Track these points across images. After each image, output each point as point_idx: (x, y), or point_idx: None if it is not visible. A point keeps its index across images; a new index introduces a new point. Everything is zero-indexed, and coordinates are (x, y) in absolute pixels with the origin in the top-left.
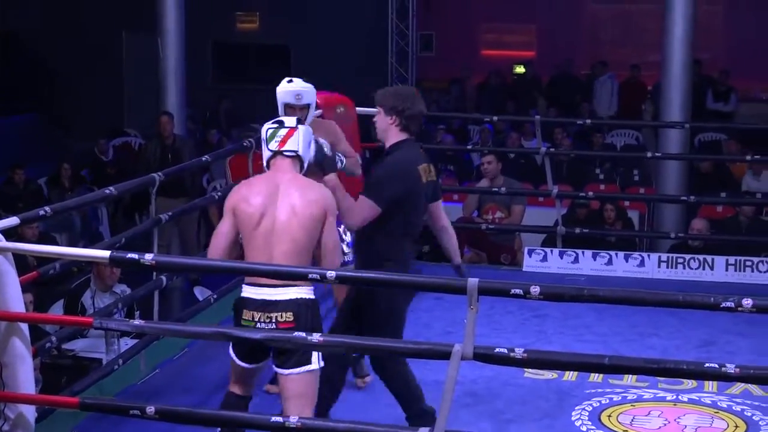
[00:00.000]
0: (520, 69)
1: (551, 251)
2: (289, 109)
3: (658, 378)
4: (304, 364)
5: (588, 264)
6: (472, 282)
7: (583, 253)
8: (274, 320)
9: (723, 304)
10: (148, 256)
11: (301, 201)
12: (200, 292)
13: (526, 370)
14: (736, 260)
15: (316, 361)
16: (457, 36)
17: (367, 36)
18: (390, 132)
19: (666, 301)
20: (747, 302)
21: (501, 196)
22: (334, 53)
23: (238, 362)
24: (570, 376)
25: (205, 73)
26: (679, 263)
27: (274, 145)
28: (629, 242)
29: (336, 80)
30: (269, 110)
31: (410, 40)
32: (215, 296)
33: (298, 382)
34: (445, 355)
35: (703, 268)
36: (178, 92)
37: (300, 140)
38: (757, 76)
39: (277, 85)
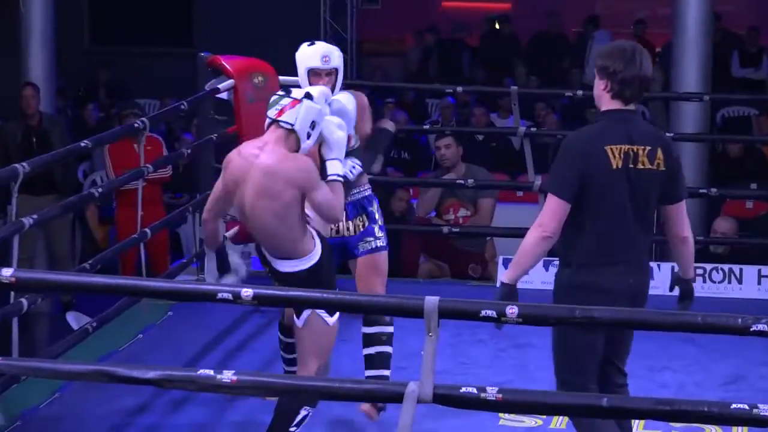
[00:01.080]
0: (492, 25)
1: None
2: (314, 75)
3: (673, 424)
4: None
5: (540, 276)
6: (430, 302)
7: None
8: (276, 279)
9: (754, 327)
10: (6, 272)
11: (269, 181)
12: (75, 319)
13: (501, 415)
14: None
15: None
16: None
17: None
18: (603, 99)
19: (681, 323)
20: None
21: (464, 189)
22: (248, 6)
23: None
24: (559, 422)
25: (80, 34)
26: (699, 275)
27: (272, 113)
28: None
29: (252, 41)
30: (166, 80)
31: None
32: (95, 323)
33: (302, 330)
34: (397, 397)
35: (729, 282)
36: (45, 58)
37: (300, 115)
38: None
39: (175, 47)
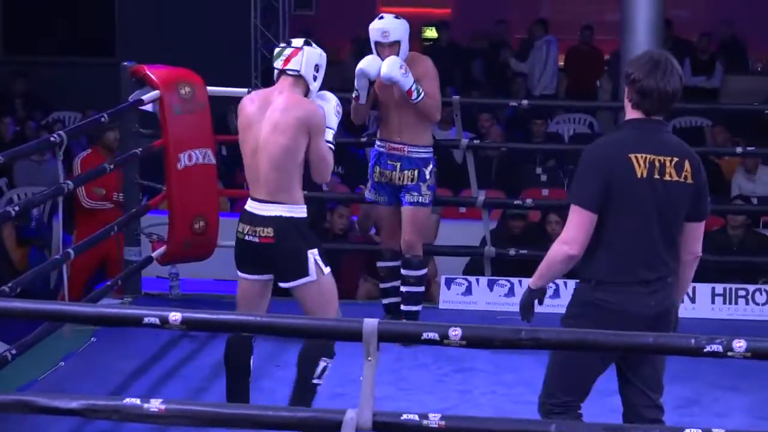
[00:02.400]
0: (430, 32)
1: (477, 281)
2: (380, 47)
3: None
4: (301, 277)
5: (519, 297)
6: (369, 324)
7: (520, 282)
8: (257, 234)
9: (707, 348)
10: None
11: (284, 117)
12: None
13: None
14: (724, 288)
15: (314, 272)
16: None
17: None
18: (627, 108)
19: (631, 344)
20: (739, 345)
21: None
22: (175, 11)
23: (243, 275)
24: None
25: None
26: None
27: (278, 64)
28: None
29: (179, 50)
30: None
31: None
32: (13, 351)
33: (302, 292)
34: (335, 426)
35: (682, 300)
36: None
37: (303, 61)
38: (747, 39)
39: (97, 57)
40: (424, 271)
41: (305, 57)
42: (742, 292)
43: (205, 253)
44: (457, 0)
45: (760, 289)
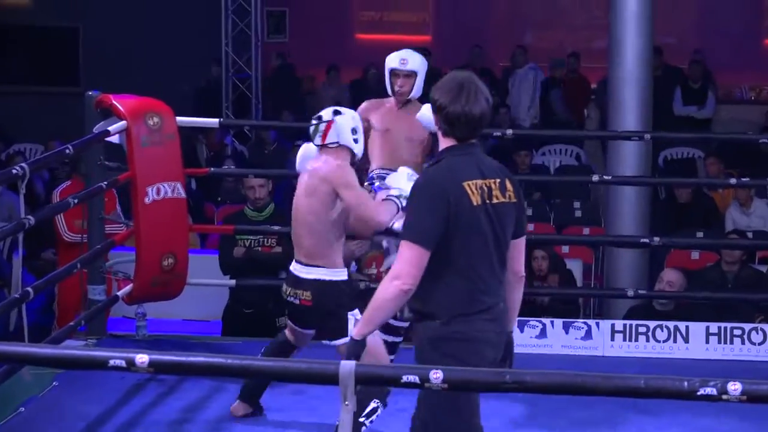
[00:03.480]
0: None
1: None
2: (394, 75)
3: None
4: (342, 337)
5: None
6: (346, 367)
7: None
8: (297, 296)
9: (701, 391)
10: None
11: (311, 180)
12: None
13: None
14: (719, 327)
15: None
16: (320, 13)
17: (192, 13)
18: (440, 137)
19: (622, 388)
20: (734, 388)
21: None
22: (144, 38)
23: (294, 326)
24: None
25: None
26: (641, 334)
27: (317, 141)
28: (569, 305)
29: (145, 79)
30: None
31: (253, 19)
32: None
33: (343, 350)
34: None
35: (675, 340)
36: None
37: (339, 131)
38: (739, 67)
39: (60, 86)
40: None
41: (340, 127)
42: (737, 331)
43: (174, 291)
44: (436, 27)
45: (756, 328)
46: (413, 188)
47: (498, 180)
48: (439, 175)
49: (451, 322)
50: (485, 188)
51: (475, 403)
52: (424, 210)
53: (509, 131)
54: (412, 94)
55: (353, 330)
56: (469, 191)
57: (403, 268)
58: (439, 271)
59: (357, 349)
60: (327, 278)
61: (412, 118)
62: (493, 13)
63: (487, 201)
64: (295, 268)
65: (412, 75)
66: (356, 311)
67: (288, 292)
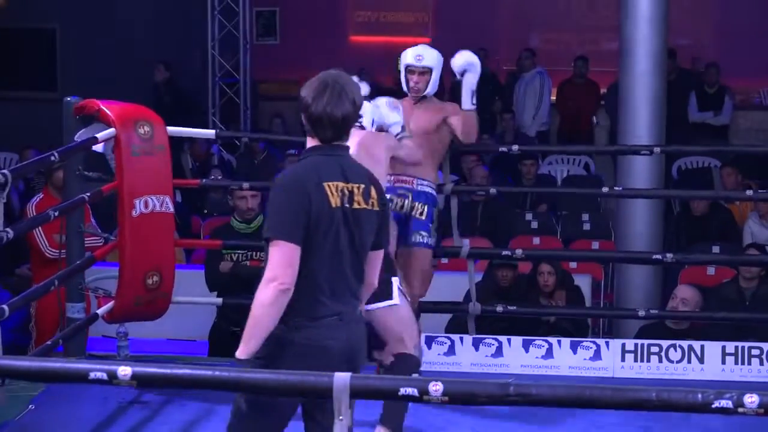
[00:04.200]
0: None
1: (461, 339)
2: (409, 72)
3: None
4: (385, 299)
5: (517, 357)
6: (340, 379)
7: (509, 341)
8: None
9: (716, 404)
10: None
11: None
12: None
13: None
14: (736, 347)
15: (396, 297)
16: (313, 13)
17: (178, 14)
18: (308, 136)
19: (633, 401)
20: (751, 400)
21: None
22: (127, 40)
23: None
24: None
25: None
26: (653, 354)
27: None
28: (577, 324)
29: (130, 82)
30: (25, 129)
31: (241, 19)
32: None
33: (382, 316)
34: None
35: (689, 361)
36: None
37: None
38: (757, 71)
39: (36, 91)
40: None
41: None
42: (755, 351)
43: (159, 311)
44: (437, 29)
45: None
46: (274, 186)
47: (362, 185)
48: (301, 173)
49: (297, 327)
50: (346, 191)
51: (285, 415)
52: (286, 207)
53: (515, 147)
54: (427, 91)
55: (239, 351)
56: (329, 192)
57: (276, 268)
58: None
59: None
60: None
61: (429, 114)
62: (498, 14)
63: (347, 205)
64: None
65: (427, 71)
66: (397, 278)
67: None
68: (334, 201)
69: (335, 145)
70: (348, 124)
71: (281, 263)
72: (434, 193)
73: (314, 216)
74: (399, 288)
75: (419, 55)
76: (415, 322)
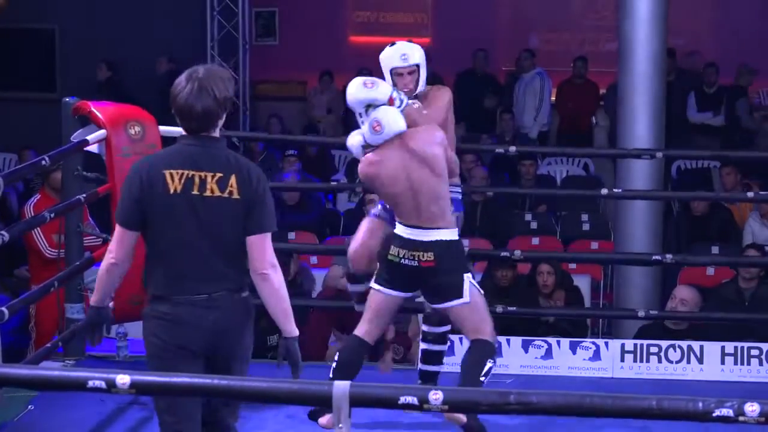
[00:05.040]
0: None
1: (460, 339)
2: (397, 75)
3: None
4: (456, 298)
5: (516, 358)
6: (340, 388)
7: (508, 341)
8: (416, 258)
9: (717, 412)
10: None
11: (429, 150)
12: None
13: None
14: (735, 348)
15: (467, 294)
16: (312, 14)
17: (177, 13)
18: None
19: (632, 410)
20: (752, 409)
21: None
22: (124, 40)
23: (386, 290)
24: None
25: None
26: (653, 354)
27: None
28: (577, 324)
29: (130, 83)
30: (24, 130)
31: (240, 20)
32: None
33: (456, 313)
34: None
35: (688, 361)
36: None
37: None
38: (758, 71)
39: (35, 92)
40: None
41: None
42: (755, 352)
43: None
44: (436, 29)
45: None
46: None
47: (219, 174)
48: (145, 161)
49: (155, 302)
50: (197, 179)
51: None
52: (124, 194)
53: (512, 148)
54: (418, 90)
55: (92, 297)
56: (169, 179)
57: (112, 245)
58: (148, 253)
59: (97, 316)
60: (449, 238)
61: (432, 110)
62: (497, 14)
63: (194, 192)
64: (410, 232)
65: (415, 70)
66: (469, 274)
67: (403, 255)
68: (173, 187)
69: (201, 135)
70: (210, 117)
71: (114, 241)
72: (457, 195)
73: (149, 202)
74: (471, 282)
75: (404, 54)
76: (488, 312)
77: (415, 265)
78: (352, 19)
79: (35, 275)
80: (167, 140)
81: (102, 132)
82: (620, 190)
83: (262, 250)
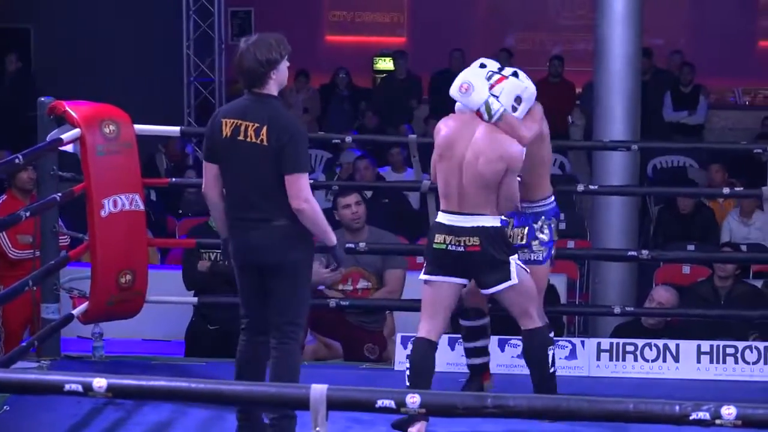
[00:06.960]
0: (384, 63)
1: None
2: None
3: None
4: (504, 281)
5: (493, 357)
6: (317, 391)
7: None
8: (462, 243)
9: (693, 416)
10: None
11: (491, 150)
12: None
13: None
14: (711, 346)
15: (515, 276)
16: (288, 13)
17: (152, 13)
18: None
19: (608, 412)
20: (729, 412)
21: (369, 256)
22: (101, 39)
23: (436, 278)
24: None
25: None
26: (629, 353)
27: (484, 95)
28: (553, 322)
29: (107, 81)
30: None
31: (216, 19)
32: None
33: (505, 296)
34: None
35: (664, 360)
36: None
37: (507, 91)
38: (732, 70)
39: None
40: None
41: (510, 88)
42: (730, 350)
43: (133, 310)
44: (412, 29)
45: (750, 347)
46: None
47: (257, 124)
48: (216, 112)
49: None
50: (241, 127)
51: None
52: (206, 134)
53: None
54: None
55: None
56: (224, 126)
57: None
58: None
59: (223, 247)
60: (493, 224)
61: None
62: (473, 14)
63: (238, 137)
64: (452, 219)
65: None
66: (515, 256)
67: (449, 241)
68: (225, 132)
69: (254, 91)
70: (253, 75)
71: (203, 173)
72: (538, 207)
73: (211, 144)
74: (517, 264)
75: (465, 83)
76: (536, 293)
77: (462, 251)
78: (328, 18)
79: (1, 276)
80: (142, 138)
81: (76, 131)
82: (596, 186)
83: (294, 188)
